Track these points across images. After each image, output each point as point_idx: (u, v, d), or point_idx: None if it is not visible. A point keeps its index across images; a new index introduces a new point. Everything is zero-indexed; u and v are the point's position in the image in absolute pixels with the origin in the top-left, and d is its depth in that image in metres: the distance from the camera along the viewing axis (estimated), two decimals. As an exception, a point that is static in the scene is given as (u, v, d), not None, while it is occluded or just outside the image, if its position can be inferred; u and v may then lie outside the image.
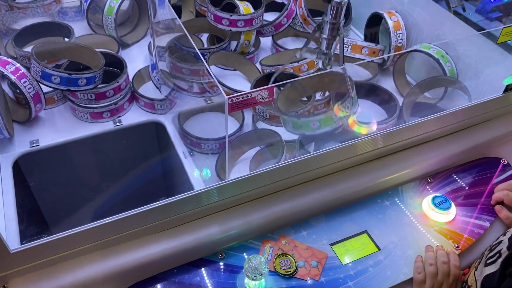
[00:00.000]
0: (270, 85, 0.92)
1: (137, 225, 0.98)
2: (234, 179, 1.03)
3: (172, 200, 0.97)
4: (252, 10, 1.71)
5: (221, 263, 1.03)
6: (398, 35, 1.70)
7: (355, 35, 2.02)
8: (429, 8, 1.69)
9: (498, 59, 1.43)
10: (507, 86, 1.24)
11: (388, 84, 1.74)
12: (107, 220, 0.94)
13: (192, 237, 1.01)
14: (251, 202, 1.09)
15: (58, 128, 1.50)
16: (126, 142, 1.56)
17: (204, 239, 1.02)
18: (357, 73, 1.80)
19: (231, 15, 1.66)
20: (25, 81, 1.40)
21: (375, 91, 1.63)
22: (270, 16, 1.93)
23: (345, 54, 1.72)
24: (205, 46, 1.82)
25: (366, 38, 1.91)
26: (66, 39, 1.73)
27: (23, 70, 1.41)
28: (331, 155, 1.14)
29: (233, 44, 1.78)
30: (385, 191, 1.19)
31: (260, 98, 0.93)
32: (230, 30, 1.69)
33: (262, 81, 1.60)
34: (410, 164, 1.22)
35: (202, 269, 1.02)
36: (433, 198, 1.16)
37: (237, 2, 1.72)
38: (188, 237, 1.01)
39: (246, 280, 1.00)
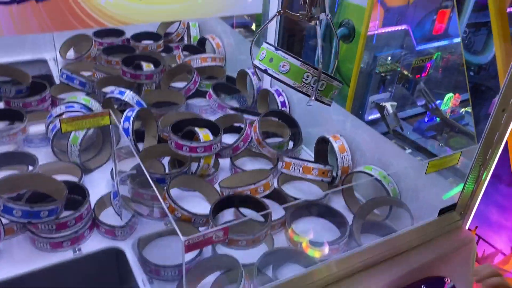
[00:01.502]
0: (224, 225, 1.00)
1: None
2: (192, 315, 1.06)
3: None
4: (211, 137, 1.85)
5: None
6: (343, 157, 1.86)
7: (306, 153, 2.19)
8: (369, 132, 1.88)
9: (433, 181, 1.59)
10: (440, 210, 1.38)
11: (338, 201, 1.86)
12: None
13: None
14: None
15: (15, 260, 1.49)
16: (85, 270, 1.55)
17: None
18: (310, 191, 1.92)
19: (191, 143, 1.78)
20: (-14, 215, 1.42)
21: (326, 211, 1.75)
22: (228, 138, 2.08)
23: (296, 175, 1.86)
24: (167, 169, 1.92)
25: (317, 157, 2.07)
26: (30, 167, 1.79)
27: (-16, 203, 1.43)
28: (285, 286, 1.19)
29: (194, 165, 1.89)
30: (340, 316, 1.24)
31: (215, 238, 1.00)
32: (191, 155, 1.80)
33: (221, 204, 1.68)
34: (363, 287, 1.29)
35: None
36: (385, 322, 1.22)
37: (197, 129, 1.87)
38: None
39: None
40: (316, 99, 1.22)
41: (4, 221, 1.48)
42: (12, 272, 1.44)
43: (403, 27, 2.45)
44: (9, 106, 2.11)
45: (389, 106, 2.30)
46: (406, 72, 2.43)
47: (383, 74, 2.37)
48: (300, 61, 1.18)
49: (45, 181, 1.60)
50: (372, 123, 2.38)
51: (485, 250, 1.99)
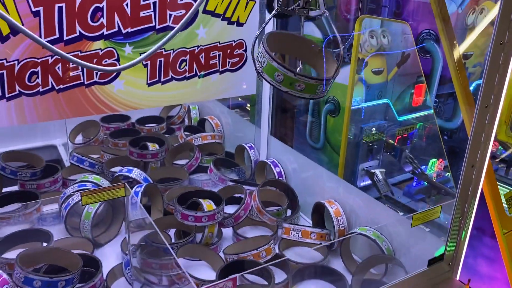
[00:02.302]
0: (232, 276, 1.11)
1: None
2: None
3: None
4: (214, 207, 1.98)
5: None
6: (339, 220, 1.99)
7: (304, 220, 2.31)
8: (361, 196, 2.03)
9: (421, 235, 1.72)
10: (429, 260, 1.49)
11: (337, 263, 1.96)
12: None
13: None
14: None
15: (31, 332, 1.55)
16: None
17: None
18: (309, 255, 2.02)
19: (196, 213, 1.92)
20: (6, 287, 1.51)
21: (326, 272, 1.84)
22: (229, 209, 2.21)
23: (296, 239, 1.97)
24: (173, 240, 2.02)
25: (314, 223, 2.19)
26: (45, 244, 1.89)
27: (5, 276, 1.53)
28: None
29: (198, 236, 2.00)
30: None
31: (225, 289, 1.11)
32: (196, 225, 1.93)
33: (227, 269, 1.78)
34: None
35: None
36: None
37: (201, 200, 2.01)
38: None
39: None
40: (257, 72, 1.36)
41: (22, 292, 1.56)
42: None
43: (384, 101, 2.71)
44: (24, 188, 2.26)
45: (378, 172, 2.47)
46: (391, 141, 2.64)
47: (369, 144, 2.57)
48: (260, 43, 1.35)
49: (62, 255, 1.71)
50: (364, 189, 2.53)
51: (481, 303, 2.05)
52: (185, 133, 2.92)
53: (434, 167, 2.55)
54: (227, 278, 1.09)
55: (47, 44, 1.05)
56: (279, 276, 1.83)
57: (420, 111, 2.79)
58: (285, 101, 3.01)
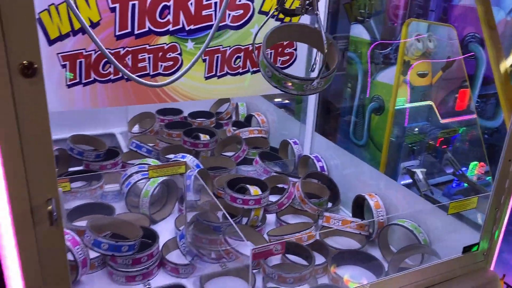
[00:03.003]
0: (281, 240, 1.26)
1: None
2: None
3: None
4: (260, 192, 2.14)
5: None
6: (379, 212, 2.10)
7: (344, 213, 2.42)
8: (401, 191, 2.12)
9: (459, 229, 1.80)
10: (464, 247, 1.57)
11: (375, 252, 2.06)
12: None
13: None
14: None
15: (95, 291, 1.76)
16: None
17: None
18: (348, 243, 2.13)
19: (244, 196, 2.08)
20: (78, 248, 1.72)
21: (364, 259, 1.95)
22: (273, 198, 2.35)
23: (336, 227, 2.09)
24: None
25: (354, 214, 2.30)
26: (106, 216, 2.11)
27: (77, 238, 1.74)
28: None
29: (244, 219, 2.16)
30: None
31: (275, 250, 1.25)
32: (243, 207, 2.09)
33: (270, 249, 1.92)
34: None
35: None
36: None
37: (248, 186, 2.17)
38: None
39: None
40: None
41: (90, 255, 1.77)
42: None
43: (428, 102, 2.78)
44: (88, 168, 2.50)
45: (419, 172, 2.54)
46: (432, 142, 2.70)
47: (411, 144, 2.64)
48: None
49: (124, 225, 1.91)
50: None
51: (515, 299, 2.09)
52: (233, 127, 3.09)
53: (474, 170, 2.59)
54: (277, 242, 1.23)
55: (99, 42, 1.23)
56: (319, 259, 1.95)
57: (463, 115, 2.83)
58: (330, 100, 3.13)
